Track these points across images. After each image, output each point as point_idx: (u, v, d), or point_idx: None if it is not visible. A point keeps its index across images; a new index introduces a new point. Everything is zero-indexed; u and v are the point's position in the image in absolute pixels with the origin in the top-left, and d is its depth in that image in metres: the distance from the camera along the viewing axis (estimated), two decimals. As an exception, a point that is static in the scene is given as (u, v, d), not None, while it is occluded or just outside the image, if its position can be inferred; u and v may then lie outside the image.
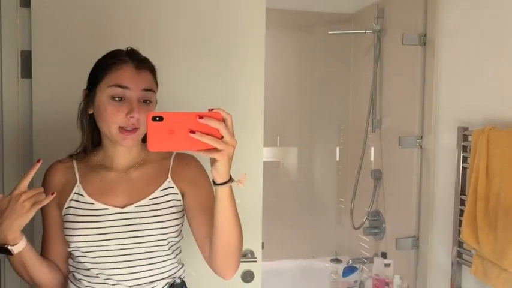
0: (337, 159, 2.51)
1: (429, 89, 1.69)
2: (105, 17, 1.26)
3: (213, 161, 0.81)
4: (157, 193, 0.97)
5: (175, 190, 0.98)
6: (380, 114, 2.11)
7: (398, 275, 1.79)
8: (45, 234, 1.01)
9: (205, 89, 1.32)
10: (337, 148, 2.52)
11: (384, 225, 2.04)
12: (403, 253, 1.81)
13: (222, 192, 0.85)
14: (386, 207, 2.04)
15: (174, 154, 1.03)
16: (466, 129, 1.46)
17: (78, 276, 0.97)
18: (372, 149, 2.19)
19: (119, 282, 0.94)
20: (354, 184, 2.19)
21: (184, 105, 1.26)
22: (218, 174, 0.82)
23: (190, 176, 1.00)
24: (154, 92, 0.96)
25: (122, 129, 0.91)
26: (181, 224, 1.00)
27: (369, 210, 2.11)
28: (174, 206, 0.97)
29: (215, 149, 0.78)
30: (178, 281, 1.01)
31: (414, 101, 1.78)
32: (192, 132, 0.77)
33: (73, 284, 0.97)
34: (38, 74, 1.23)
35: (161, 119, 0.76)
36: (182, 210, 0.99)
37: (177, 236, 0.99)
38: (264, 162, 1.42)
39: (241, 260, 1.35)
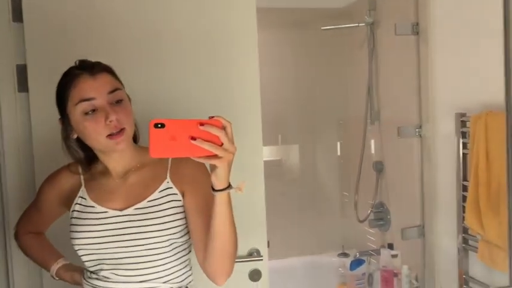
0: (339, 153, 2.52)
1: (425, 77, 1.69)
2: (98, 29, 1.27)
3: (213, 167, 0.83)
4: (155, 195, 0.98)
5: (175, 190, 0.99)
6: (378, 106, 2.11)
7: (406, 265, 1.79)
8: (35, 212, 1.13)
9: (200, 92, 1.32)
10: (338, 143, 2.52)
11: (388, 217, 2.04)
12: (409, 243, 1.81)
13: (220, 198, 0.87)
14: (390, 198, 2.05)
15: None
16: (463, 115, 1.46)
17: (85, 274, 1.02)
18: (372, 141, 2.19)
19: (120, 283, 0.96)
20: (357, 177, 2.20)
21: (179, 108, 1.27)
22: (217, 180, 0.84)
23: (190, 175, 1.00)
24: (121, 89, 0.96)
25: (109, 136, 0.92)
26: (185, 224, 0.99)
27: (373, 203, 2.11)
28: (174, 207, 0.98)
29: (215, 156, 0.80)
30: None
31: (411, 90, 1.79)
32: (193, 138, 0.78)
33: (84, 280, 1.02)
34: (34, 88, 1.24)
35: (163, 125, 0.78)
36: (183, 211, 0.99)
37: (181, 237, 0.98)
38: (266, 161, 1.43)
39: (248, 259, 1.36)
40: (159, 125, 0.78)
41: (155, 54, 1.29)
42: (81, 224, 0.98)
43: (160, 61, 1.29)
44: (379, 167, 2.11)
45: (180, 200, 0.99)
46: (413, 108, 1.77)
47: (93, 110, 0.92)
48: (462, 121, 1.47)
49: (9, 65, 1.25)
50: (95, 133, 0.92)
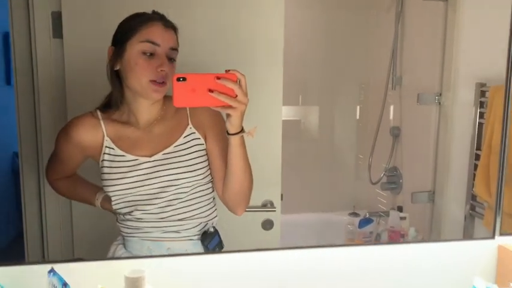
0: (358, 117, 2.54)
1: (449, 45, 1.69)
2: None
3: (228, 115, 0.95)
4: (180, 140, 1.07)
5: (197, 135, 1.08)
6: (400, 72, 2.11)
7: (413, 227, 1.86)
8: (58, 162, 1.17)
9: (224, 48, 1.36)
10: (358, 106, 2.54)
11: (401, 181, 2.09)
12: (418, 208, 1.87)
13: (234, 141, 0.99)
14: (404, 163, 2.09)
15: None
16: (483, 85, 1.47)
17: (118, 217, 1.12)
18: (392, 106, 2.21)
19: (151, 222, 1.08)
20: (373, 141, 2.23)
21: (200, 62, 1.32)
22: (231, 126, 0.96)
23: (209, 121, 1.10)
24: (177, 51, 1.04)
25: (153, 81, 0.99)
26: (208, 166, 1.09)
27: (386, 166, 2.16)
28: (198, 151, 1.07)
29: (230, 106, 0.92)
30: (212, 230, 1.12)
31: (434, 58, 1.79)
32: (211, 91, 0.90)
33: (118, 222, 1.13)
34: (68, 34, 1.30)
35: (184, 79, 0.90)
36: (206, 154, 1.08)
37: (205, 177, 1.08)
38: (286, 121, 1.48)
39: (262, 209, 1.44)
40: (181, 79, 0.90)
41: (180, 10, 1.32)
42: (113, 172, 1.07)
43: (184, 16, 1.33)
44: (395, 132, 2.14)
45: (203, 144, 1.07)
46: (435, 75, 1.78)
47: (151, 54, 1.00)
48: (482, 91, 1.48)
49: (45, 12, 1.30)
50: (143, 72, 1.01)
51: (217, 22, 1.35)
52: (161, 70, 0.99)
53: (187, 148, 1.06)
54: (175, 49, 1.04)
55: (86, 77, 1.30)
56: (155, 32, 1.01)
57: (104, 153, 1.07)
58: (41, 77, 1.33)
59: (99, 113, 1.10)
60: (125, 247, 1.11)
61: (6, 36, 1.36)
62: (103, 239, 1.21)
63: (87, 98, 1.23)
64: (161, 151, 1.06)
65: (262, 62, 1.38)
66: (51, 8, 1.30)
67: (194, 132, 1.07)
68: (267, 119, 1.41)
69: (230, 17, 1.35)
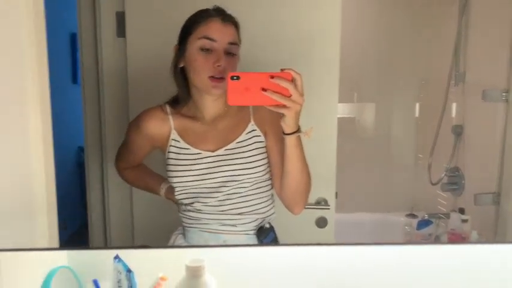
0: (417, 115, 2.45)
1: (519, 38, 1.59)
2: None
3: (282, 115, 0.94)
4: (242, 136, 1.09)
5: (258, 132, 1.09)
6: (464, 67, 2.02)
7: (476, 230, 1.77)
8: (127, 152, 1.23)
9: (280, 46, 1.36)
10: (417, 104, 2.45)
11: (463, 182, 2.00)
12: (481, 210, 1.78)
13: (289, 141, 0.99)
14: (467, 163, 1.99)
15: None
16: (557, 80, 1.37)
17: (180, 208, 1.17)
18: (454, 104, 2.11)
19: (211, 214, 1.12)
20: (433, 140, 2.15)
21: (255, 60, 1.33)
22: (286, 126, 0.95)
23: (270, 118, 1.10)
24: (238, 45, 1.05)
25: (211, 77, 1.01)
26: (267, 163, 1.10)
27: (448, 166, 2.07)
28: (259, 148, 1.08)
29: (284, 105, 0.90)
30: (267, 226, 1.14)
31: (502, 52, 1.69)
32: (264, 90, 0.89)
33: (180, 213, 1.18)
34: (131, 34, 1.35)
35: (238, 78, 0.91)
36: (266, 152, 1.10)
37: (264, 174, 1.10)
38: (341, 119, 1.46)
39: (316, 207, 1.44)
40: (235, 77, 0.91)
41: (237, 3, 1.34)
42: (178, 164, 1.11)
43: (244, 15, 1.34)
44: (458, 131, 2.04)
45: (263, 141, 1.09)
46: (502, 71, 1.68)
47: (209, 50, 1.02)
48: (555, 87, 1.38)
49: (110, 12, 1.37)
50: (201, 69, 1.03)
51: (274, 20, 1.35)
52: (218, 65, 1.02)
53: (249, 145, 1.08)
54: (234, 44, 1.05)
55: (147, 74, 1.35)
56: (212, 28, 1.03)
57: (170, 146, 1.12)
58: (105, 75, 1.40)
59: (168, 107, 1.15)
60: (184, 237, 1.15)
61: (73, 37, 1.44)
62: (162, 229, 1.25)
63: (149, 95, 1.28)
64: (223, 147, 1.09)
65: (318, 59, 1.37)
66: (116, 8, 1.37)
67: (255, 129, 1.09)
68: (322, 116, 1.40)
69: (286, 14, 1.35)
